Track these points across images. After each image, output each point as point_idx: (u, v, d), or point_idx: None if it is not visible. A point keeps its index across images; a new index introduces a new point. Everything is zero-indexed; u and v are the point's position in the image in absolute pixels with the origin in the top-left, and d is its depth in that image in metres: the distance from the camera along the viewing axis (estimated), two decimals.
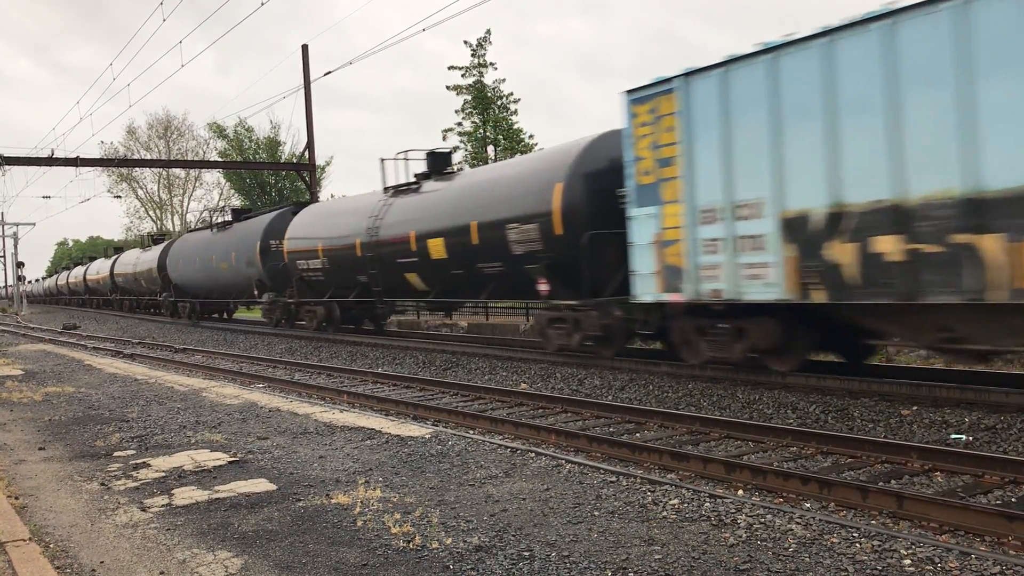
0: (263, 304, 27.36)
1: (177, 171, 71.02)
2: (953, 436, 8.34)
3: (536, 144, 37.39)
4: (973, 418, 8.87)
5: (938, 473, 7.15)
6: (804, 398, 10.45)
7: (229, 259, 29.03)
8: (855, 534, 4.95)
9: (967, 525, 5.68)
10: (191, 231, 39.73)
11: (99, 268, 54.94)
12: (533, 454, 7.37)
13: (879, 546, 4.73)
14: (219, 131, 52.44)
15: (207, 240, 32.46)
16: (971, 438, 8.25)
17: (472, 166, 33.86)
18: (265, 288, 26.79)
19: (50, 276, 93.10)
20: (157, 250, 40.25)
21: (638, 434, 9.34)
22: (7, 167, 34.88)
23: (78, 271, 65.43)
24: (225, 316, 37.94)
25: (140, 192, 73.55)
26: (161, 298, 38.80)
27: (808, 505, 6.44)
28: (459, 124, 37.23)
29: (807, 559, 4.57)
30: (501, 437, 9.22)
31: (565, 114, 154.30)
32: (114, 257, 51.82)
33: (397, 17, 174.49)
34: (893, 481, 6.98)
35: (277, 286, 26.06)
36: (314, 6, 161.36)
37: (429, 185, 18.94)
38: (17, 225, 65.60)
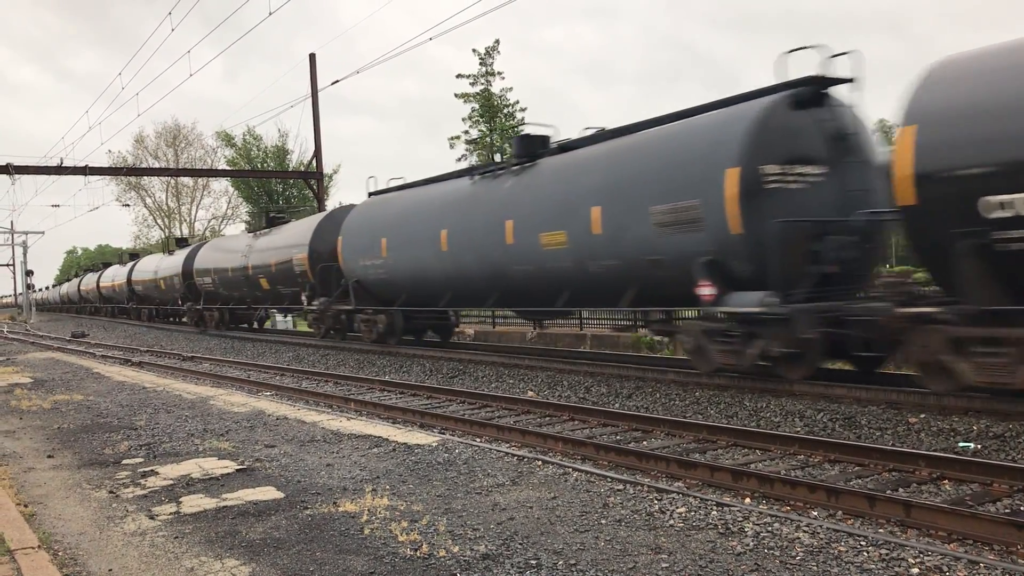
0: (754, 313, 11.23)
1: (185, 179, 71.48)
2: (961, 444, 8.31)
3: None
4: (981, 426, 8.83)
5: (946, 481, 7.13)
6: (811, 406, 10.42)
7: (580, 220, 13.83)
8: (863, 542, 4.94)
9: (976, 534, 5.66)
10: (382, 191, 21.95)
11: (161, 266, 38.17)
12: (540, 462, 7.37)
13: (887, 555, 4.72)
14: (227, 139, 52.77)
15: (464, 197, 17.29)
16: (979, 446, 8.22)
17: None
18: (734, 278, 11.67)
19: (68, 280, 78.47)
20: (303, 229, 24.83)
21: (645, 442, 9.33)
22: (17, 176, 35.09)
23: (114, 272, 50.24)
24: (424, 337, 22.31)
25: (148, 200, 74.05)
26: (316, 304, 23.15)
27: (815, 513, 6.42)
28: (466, 132, 37.40)
29: (815, 567, 4.56)
30: (508, 445, 9.22)
31: (572, 120, 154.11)
32: (191, 247, 36.32)
33: (402, 22, 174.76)
34: (901, 489, 6.96)
35: (790, 271, 11.17)
36: (319, 12, 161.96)
37: None
38: (27, 234, 66.03)
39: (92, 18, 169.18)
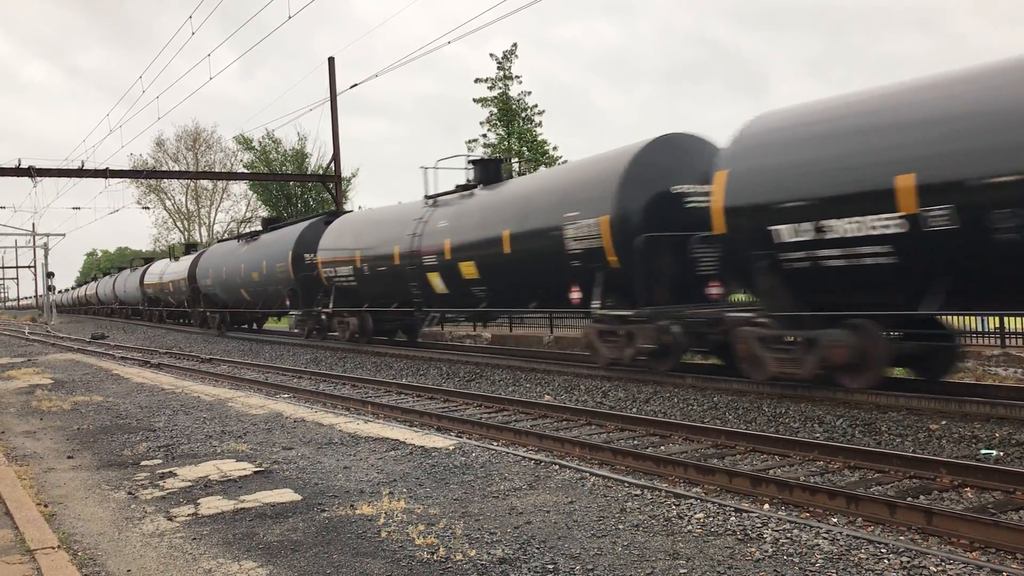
0: None
1: (205, 182, 71.90)
2: (983, 451, 8.22)
3: (560, 157, 37.46)
4: (1004, 433, 8.74)
5: (968, 489, 7.05)
6: (831, 412, 10.35)
7: None
8: (883, 550, 4.89)
9: (998, 542, 5.59)
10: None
11: (250, 257, 28.42)
12: (557, 466, 7.35)
13: (908, 562, 4.67)
14: (246, 143, 53.00)
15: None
16: (1002, 453, 8.13)
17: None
18: None
19: (95, 279, 70.60)
20: (580, 181, 14.82)
21: (663, 447, 9.29)
22: (38, 178, 35.41)
23: (163, 269, 39.37)
24: None
25: (168, 203, 74.48)
26: (613, 308, 13.84)
27: (835, 520, 6.37)
28: (484, 136, 37.42)
29: (834, 575, 4.52)
30: (525, 449, 9.21)
31: (590, 121, 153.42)
32: (304, 225, 25.86)
33: (419, 20, 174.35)
34: (922, 496, 6.90)
35: None
36: (336, 10, 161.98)
37: None
38: (48, 236, 66.55)
39: (103, 12, 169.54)
